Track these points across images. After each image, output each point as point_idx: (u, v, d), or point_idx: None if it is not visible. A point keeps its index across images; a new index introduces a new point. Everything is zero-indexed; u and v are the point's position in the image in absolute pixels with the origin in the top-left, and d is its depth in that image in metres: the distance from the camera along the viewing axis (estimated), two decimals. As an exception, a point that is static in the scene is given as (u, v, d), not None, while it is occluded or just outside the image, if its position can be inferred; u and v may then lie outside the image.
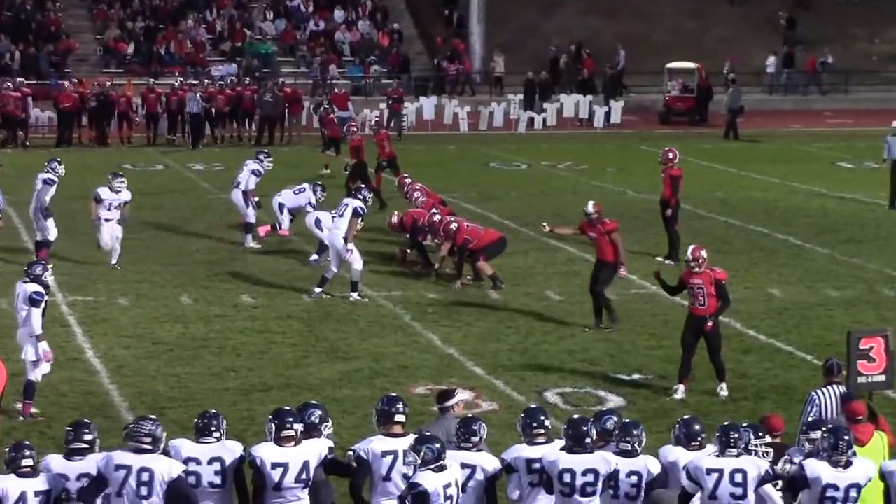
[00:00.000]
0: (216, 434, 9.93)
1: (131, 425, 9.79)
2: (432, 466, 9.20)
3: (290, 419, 9.87)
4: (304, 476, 9.78)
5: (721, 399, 15.31)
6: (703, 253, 15.55)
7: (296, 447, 9.82)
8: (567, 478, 9.64)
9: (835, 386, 12.13)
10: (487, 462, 9.88)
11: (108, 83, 39.68)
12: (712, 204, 28.33)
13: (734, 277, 21.09)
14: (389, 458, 9.81)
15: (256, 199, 23.53)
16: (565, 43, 50.18)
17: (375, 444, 9.87)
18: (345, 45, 48.34)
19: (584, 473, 9.65)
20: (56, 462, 9.74)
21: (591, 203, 18.54)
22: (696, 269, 15.38)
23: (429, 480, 9.16)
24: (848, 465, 9.68)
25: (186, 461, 9.77)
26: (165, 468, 9.53)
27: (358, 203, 19.68)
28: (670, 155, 22.97)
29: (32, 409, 14.52)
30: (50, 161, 22.68)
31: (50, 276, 14.92)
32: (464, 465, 9.78)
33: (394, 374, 16.26)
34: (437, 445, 9.28)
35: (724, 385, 15.54)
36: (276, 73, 43.70)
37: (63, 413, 14.42)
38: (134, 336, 17.86)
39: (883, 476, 9.85)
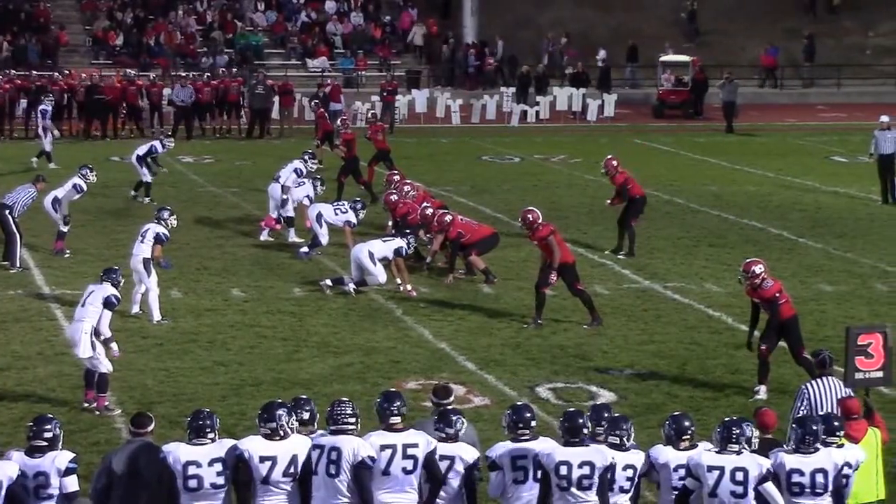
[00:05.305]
0: (211, 435, 9.82)
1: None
2: None
3: (279, 413, 9.80)
4: (291, 470, 9.73)
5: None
6: (756, 269, 15.17)
7: (283, 441, 9.76)
8: (563, 470, 9.59)
9: (826, 378, 12.09)
10: (465, 452, 9.93)
11: (97, 74, 39.43)
12: (706, 198, 28.24)
13: (727, 272, 21.05)
14: (388, 451, 9.79)
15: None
16: (558, 35, 50.05)
17: (375, 439, 9.87)
18: (336, 36, 48.14)
19: (581, 466, 9.60)
20: (16, 458, 9.62)
21: (524, 212, 18.42)
22: (753, 285, 15.13)
23: None
24: (815, 451, 9.80)
25: (186, 465, 9.66)
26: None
27: (403, 244, 19.55)
28: (614, 163, 22.90)
29: (105, 402, 14.53)
30: (82, 167, 22.38)
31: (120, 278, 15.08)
32: (442, 457, 9.84)
33: (385, 369, 16.17)
34: None
35: None
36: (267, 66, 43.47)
37: (52, 409, 14.22)
38: (123, 330, 17.65)
39: None
